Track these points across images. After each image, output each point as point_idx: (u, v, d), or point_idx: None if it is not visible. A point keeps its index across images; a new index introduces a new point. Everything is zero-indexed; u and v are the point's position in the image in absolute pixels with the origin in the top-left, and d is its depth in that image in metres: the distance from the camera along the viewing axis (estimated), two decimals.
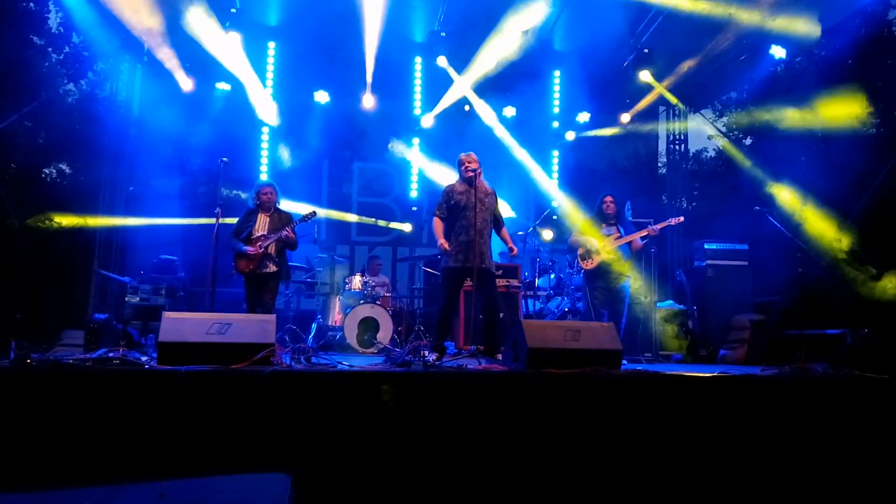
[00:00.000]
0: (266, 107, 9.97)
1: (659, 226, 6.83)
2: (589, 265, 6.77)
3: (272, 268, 6.27)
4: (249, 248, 6.18)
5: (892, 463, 4.07)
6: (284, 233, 6.20)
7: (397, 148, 10.44)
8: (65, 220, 8.46)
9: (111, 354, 4.33)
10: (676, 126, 11.65)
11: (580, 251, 6.89)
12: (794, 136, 9.67)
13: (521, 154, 10.58)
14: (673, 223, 7.01)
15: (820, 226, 8.18)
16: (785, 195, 8.74)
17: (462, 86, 9.98)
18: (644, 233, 6.78)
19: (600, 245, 6.74)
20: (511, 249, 6.03)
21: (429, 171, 10.76)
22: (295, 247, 6.47)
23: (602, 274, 6.75)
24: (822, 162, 9.40)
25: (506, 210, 8.01)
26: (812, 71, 9.37)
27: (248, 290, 6.35)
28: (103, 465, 3.32)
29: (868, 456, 4.07)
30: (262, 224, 6.35)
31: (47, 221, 8.45)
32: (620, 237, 6.77)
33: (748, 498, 3.90)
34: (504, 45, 9.14)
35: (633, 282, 7.04)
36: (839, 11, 8.87)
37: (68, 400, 3.41)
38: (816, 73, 9.25)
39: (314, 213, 6.52)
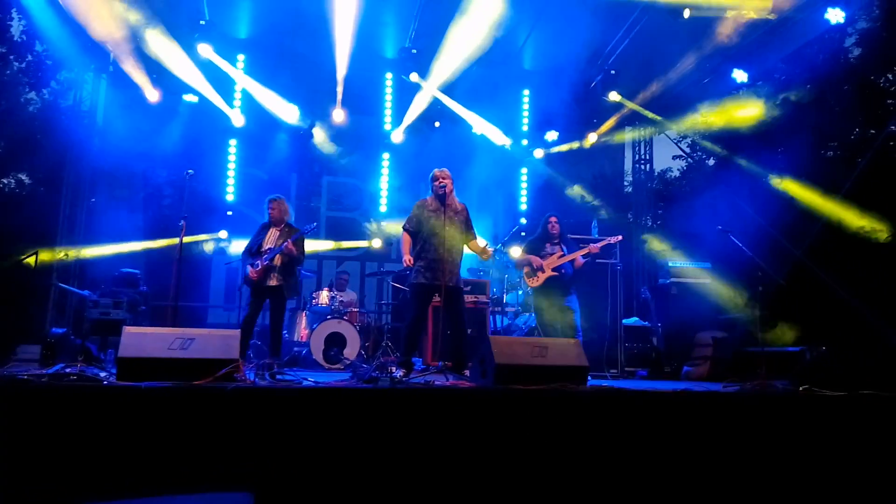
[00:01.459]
0: (234, 119, 9.91)
1: (599, 244, 7.01)
2: (535, 283, 6.91)
3: (273, 281, 6.21)
4: (251, 270, 6.18)
5: (846, 477, 4.16)
6: (285, 245, 6.13)
7: None
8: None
9: (69, 370, 4.22)
10: (642, 144, 11.87)
11: (525, 270, 7.01)
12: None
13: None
14: (612, 241, 7.18)
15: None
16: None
17: (430, 92, 9.99)
18: (585, 251, 6.95)
19: (545, 263, 6.87)
20: (485, 252, 6.01)
21: (398, 186, 10.78)
22: (299, 261, 6.42)
23: (549, 291, 6.88)
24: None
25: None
26: (772, 94, 9.65)
27: (252, 301, 6.29)
28: (59, 484, 3.22)
29: (824, 470, 4.16)
30: (270, 238, 6.35)
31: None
32: (563, 255, 6.91)
33: None
34: (472, 47, 9.14)
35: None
36: (799, 38, 9.17)
37: (23, 416, 3.30)
38: (775, 96, 9.54)
39: (315, 225, 6.65)
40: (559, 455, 3.85)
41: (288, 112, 9.97)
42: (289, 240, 6.14)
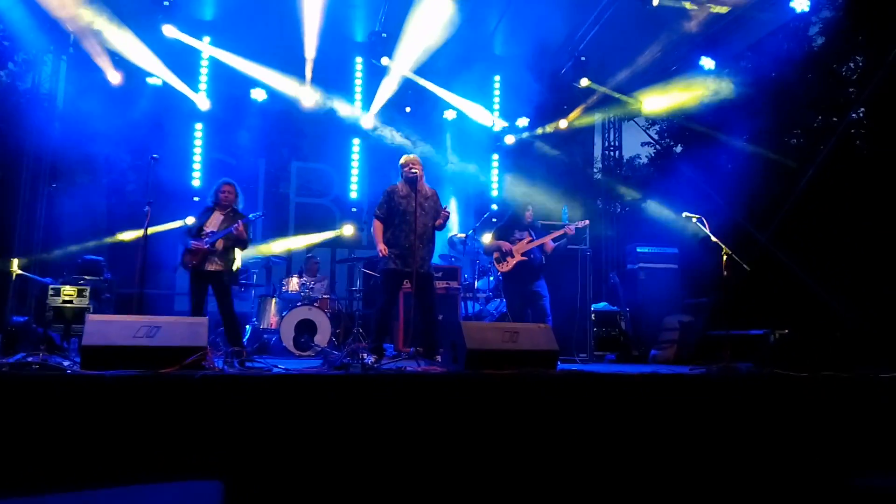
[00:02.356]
0: (199, 103, 9.71)
1: (570, 227, 7.08)
2: (505, 268, 6.96)
3: (214, 265, 5.98)
4: (194, 243, 5.92)
5: (810, 457, 4.29)
6: (235, 227, 5.90)
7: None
8: None
9: (30, 359, 4.13)
10: (611, 131, 11.95)
11: (496, 255, 7.06)
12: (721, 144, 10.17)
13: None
14: (580, 226, 7.30)
15: None
16: None
17: (402, 75, 9.89)
18: (560, 233, 7.03)
19: (514, 248, 6.92)
20: (442, 214, 5.94)
21: (369, 171, 10.71)
22: (246, 245, 6.20)
23: (518, 276, 6.94)
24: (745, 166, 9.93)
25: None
26: (737, 82, 9.79)
27: (192, 287, 6.01)
28: (24, 475, 3.15)
29: (788, 450, 4.28)
30: (214, 221, 6.09)
31: None
32: (533, 240, 6.98)
33: (677, 492, 4.04)
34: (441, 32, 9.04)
35: None
36: (766, 26, 9.29)
37: None
38: (741, 85, 9.68)
39: (260, 214, 6.47)
40: (530, 438, 3.89)
41: (264, 75, 9.70)
42: (239, 222, 5.94)
